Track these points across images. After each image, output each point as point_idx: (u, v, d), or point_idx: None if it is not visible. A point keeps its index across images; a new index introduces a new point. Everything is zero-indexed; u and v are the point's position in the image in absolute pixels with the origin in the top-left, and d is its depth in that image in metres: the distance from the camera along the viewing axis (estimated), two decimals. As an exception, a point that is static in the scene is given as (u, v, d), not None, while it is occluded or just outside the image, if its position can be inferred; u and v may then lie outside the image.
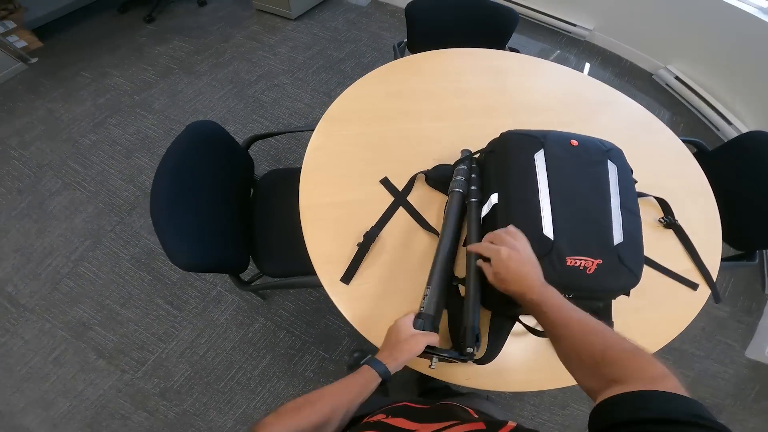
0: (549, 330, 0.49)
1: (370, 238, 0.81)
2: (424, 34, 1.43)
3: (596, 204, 0.65)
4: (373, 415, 0.49)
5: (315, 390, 0.48)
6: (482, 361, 0.68)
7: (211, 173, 0.99)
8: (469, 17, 1.43)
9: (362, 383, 0.52)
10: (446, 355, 0.61)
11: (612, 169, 0.68)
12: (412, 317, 0.63)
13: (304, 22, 2.56)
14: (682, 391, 0.32)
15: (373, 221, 0.85)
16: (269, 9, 2.56)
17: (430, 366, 0.62)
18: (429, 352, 0.60)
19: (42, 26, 2.43)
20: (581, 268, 0.60)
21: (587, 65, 2.49)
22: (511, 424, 0.34)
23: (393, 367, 0.56)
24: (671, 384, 0.33)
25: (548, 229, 0.62)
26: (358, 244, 0.81)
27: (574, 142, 0.71)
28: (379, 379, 0.54)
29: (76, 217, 1.74)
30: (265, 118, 2.09)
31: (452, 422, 0.38)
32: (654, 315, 0.81)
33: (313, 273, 0.80)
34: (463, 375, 0.71)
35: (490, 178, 0.76)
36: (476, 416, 0.45)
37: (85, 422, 1.34)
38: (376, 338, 0.72)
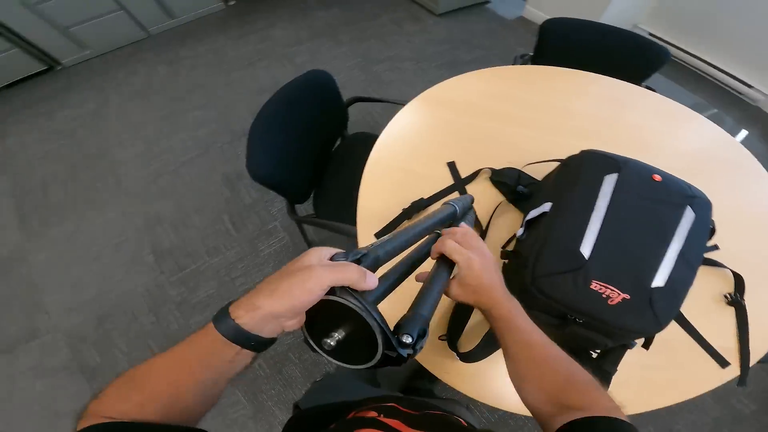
0: (511, 348, 0.46)
1: (416, 206, 0.87)
2: (553, 52, 1.40)
3: (649, 242, 0.60)
4: (361, 409, 0.44)
5: (145, 361, 0.34)
6: (467, 358, 0.68)
7: (310, 114, 1.16)
8: (609, 45, 1.35)
9: (202, 351, 0.33)
10: (367, 311, 0.32)
11: (687, 216, 0.62)
12: (333, 251, 0.37)
13: (446, 19, 2.68)
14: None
15: (426, 195, 0.90)
16: (420, 0, 2.74)
17: (321, 343, 0.33)
18: (343, 298, 0.32)
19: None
20: (604, 296, 0.57)
21: (744, 132, 2.12)
22: None
23: (251, 320, 0.31)
24: (623, 414, 0.36)
25: (586, 248, 0.60)
26: (404, 209, 0.88)
27: (657, 177, 0.66)
28: (229, 345, 0.32)
29: (200, 130, 2.16)
30: (377, 93, 2.27)
31: None
32: (663, 376, 0.72)
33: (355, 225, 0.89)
34: (442, 367, 0.72)
35: (548, 187, 0.75)
36: (466, 425, 0.44)
37: (97, 314, 1.62)
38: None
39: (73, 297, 1.68)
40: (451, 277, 0.49)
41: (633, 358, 0.66)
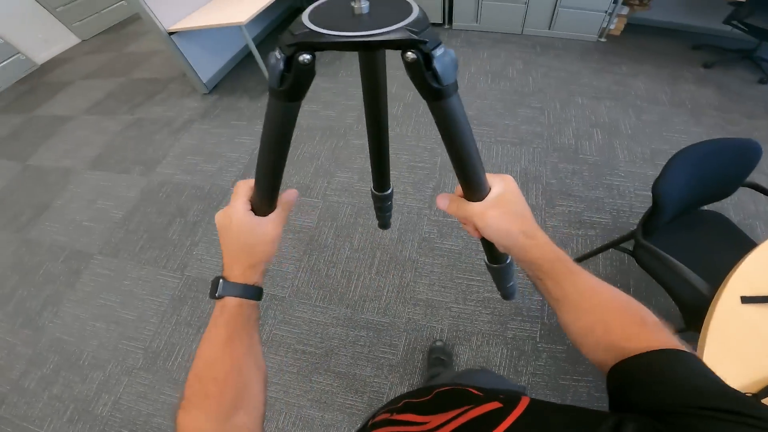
0: (573, 296, 0.40)
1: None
2: None
3: None
4: (376, 415, 0.49)
5: (198, 356, 0.41)
6: None
7: (716, 174, 1.24)
8: None
9: (235, 321, 0.42)
10: None
11: None
12: (245, 202, 0.45)
13: None
14: None
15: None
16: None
17: None
18: None
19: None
20: None
21: None
22: (525, 399, 0.34)
23: (253, 276, 0.44)
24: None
25: None
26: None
27: None
28: (247, 304, 0.43)
29: (525, 126, 2.50)
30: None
31: (463, 408, 0.38)
32: None
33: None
34: None
35: None
36: (481, 394, 0.42)
37: (359, 206, 2.07)
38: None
39: (354, 183, 2.25)
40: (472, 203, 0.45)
41: None
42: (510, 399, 0.34)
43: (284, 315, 1.78)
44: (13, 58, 3.95)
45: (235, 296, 0.42)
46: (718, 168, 1.23)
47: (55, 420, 1.60)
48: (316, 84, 3.01)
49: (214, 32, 2.95)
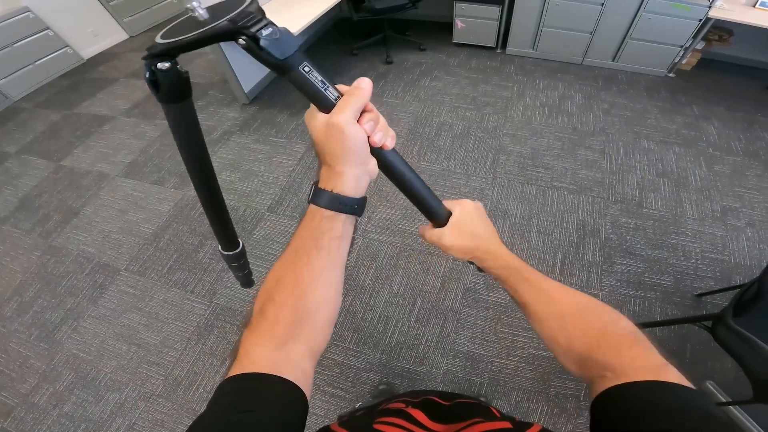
0: (531, 304, 0.44)
1: None
2: None
3: None
4: (394, 401, 0.51)
5: (268, 279, 0.38)
6: None
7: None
8: None
9: (313, 234, 0.38)
10: None
11: None
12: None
13: None
14: (685, 381, 0.31)
15: None
16: None
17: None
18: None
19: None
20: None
21: None
22: (537, 425, 0.34)
23: (345, 185, 0.38)
24: (673, 374, 0.32)
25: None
26: None
27: None
28: (335, 217, 0.38)
29: (585, 171, 2.32)
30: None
31: (473, 420, 0.39)
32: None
33: None
34: None
35: None
36: (498, 415, 0.45)
37: None
38: None
39: (397, 222, 2.11)
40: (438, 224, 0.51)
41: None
42: (522, 423, 0.36)
43: (314, 355, 1.70)
44: (60, 51, 4.01)
45: (317, 205, 0.38)
46: None
47: (63, 438, 1.54)
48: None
49: (260, 41, 2.90)
